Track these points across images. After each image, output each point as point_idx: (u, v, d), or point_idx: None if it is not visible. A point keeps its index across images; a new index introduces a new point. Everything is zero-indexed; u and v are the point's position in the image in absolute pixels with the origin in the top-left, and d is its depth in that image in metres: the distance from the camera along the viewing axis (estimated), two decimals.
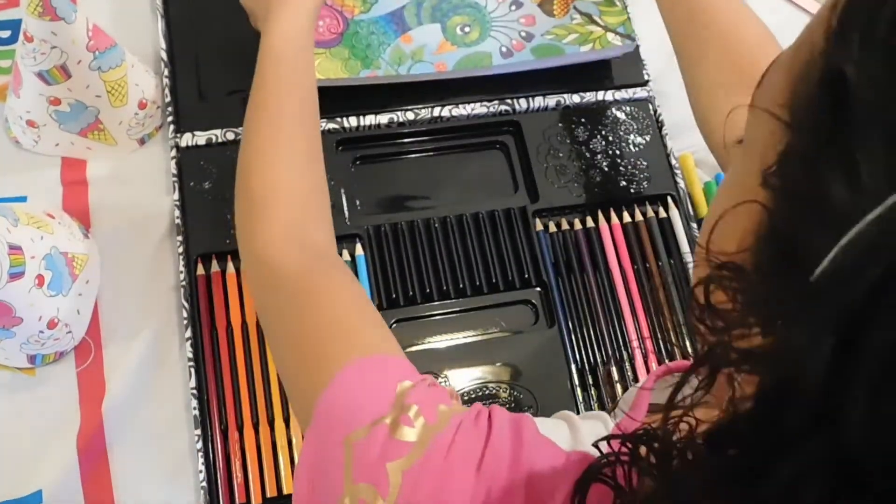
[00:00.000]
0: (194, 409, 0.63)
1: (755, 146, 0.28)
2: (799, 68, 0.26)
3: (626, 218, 0.75)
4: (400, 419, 0.37)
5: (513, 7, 0.78)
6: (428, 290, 0.70)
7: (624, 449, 0.32)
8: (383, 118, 0.75)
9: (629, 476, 0.31)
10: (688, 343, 0.71)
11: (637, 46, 0.81)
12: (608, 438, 0.33)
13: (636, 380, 0.69)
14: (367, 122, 0.75)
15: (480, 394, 0.67)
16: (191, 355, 0.65)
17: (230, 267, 0.69)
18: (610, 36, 0.78)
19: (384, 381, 0.40)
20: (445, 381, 0.67)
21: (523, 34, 0.77)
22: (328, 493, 0.37)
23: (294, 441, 0.64)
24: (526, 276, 0.72)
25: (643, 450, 0.30)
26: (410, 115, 0.76)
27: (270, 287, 0.49)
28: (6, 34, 0.76)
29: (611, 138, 0.78)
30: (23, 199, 0.70)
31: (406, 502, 0.35)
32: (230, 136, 0.72)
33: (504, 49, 0.77)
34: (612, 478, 0.32)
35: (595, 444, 0.34)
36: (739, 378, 0.26)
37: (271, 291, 0.49)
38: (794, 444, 0.23)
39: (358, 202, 0.73)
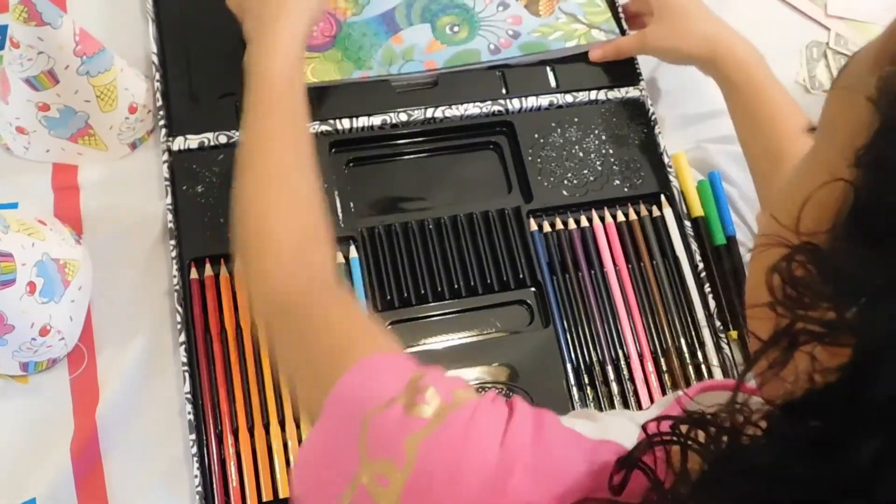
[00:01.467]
0: (189, 414, 0.63)
1: (842, 129, 0.29)
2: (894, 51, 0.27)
3: (620, 217, 0.75)
4: (416, 398, 0.38)
5: (500, 8, 0.79)
6: (423, 292, 0.70)
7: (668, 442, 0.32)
8: (376, 120, 0.75)
9: (680, 458, 0.31)
10: (682, 342, 0.71)
11: None
12: (660, 420, 0.33)
13: (631, 378, 0.69)
14: (361, 124, 0.75)
15: None
16: (185, 360, 0.65)
17: (223, 271, 0.68)
18: (594, 32, 0.79)
19: (398, 370, 0.41)
20: None
21: (510, 32, 0.78)
22: (339, 476, 0.37)
23: (290, 444, 0.64)
24: (521, 276, 0.72)
25: (698, 434, 0.30)
26: (404, 117, 0.75)
27: (277, 316, 0.51)
28: None
29: (604, 137, 0.78)
30: (14, 205, 0.69)
31: (422, 471, 0.35)
32: (222, 139, 0.72)
33: (492, 46, 0.77)
34: (652, 470, 0.32)
35: (643, 427, 0.35)
36: (815, 353, 0.26)
37: (278, 320, 0.51)
38: (881, 417, 0.23)
39: (352, 204, 0.73)
